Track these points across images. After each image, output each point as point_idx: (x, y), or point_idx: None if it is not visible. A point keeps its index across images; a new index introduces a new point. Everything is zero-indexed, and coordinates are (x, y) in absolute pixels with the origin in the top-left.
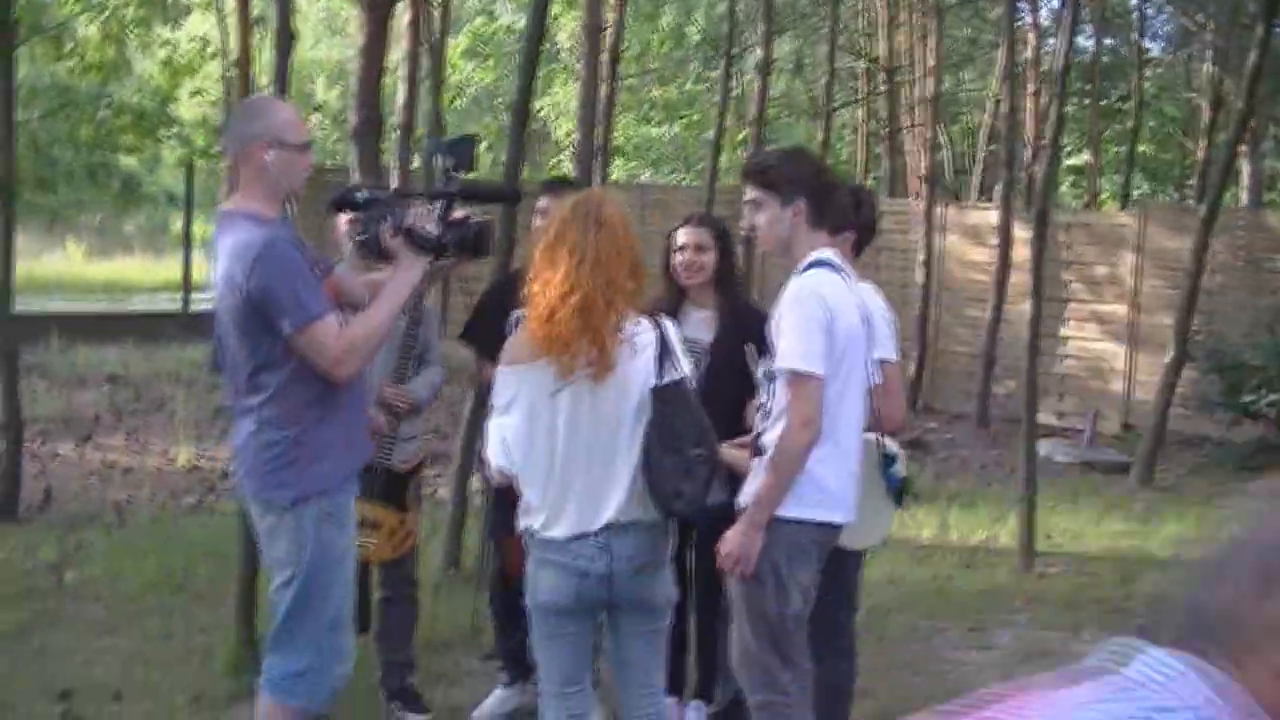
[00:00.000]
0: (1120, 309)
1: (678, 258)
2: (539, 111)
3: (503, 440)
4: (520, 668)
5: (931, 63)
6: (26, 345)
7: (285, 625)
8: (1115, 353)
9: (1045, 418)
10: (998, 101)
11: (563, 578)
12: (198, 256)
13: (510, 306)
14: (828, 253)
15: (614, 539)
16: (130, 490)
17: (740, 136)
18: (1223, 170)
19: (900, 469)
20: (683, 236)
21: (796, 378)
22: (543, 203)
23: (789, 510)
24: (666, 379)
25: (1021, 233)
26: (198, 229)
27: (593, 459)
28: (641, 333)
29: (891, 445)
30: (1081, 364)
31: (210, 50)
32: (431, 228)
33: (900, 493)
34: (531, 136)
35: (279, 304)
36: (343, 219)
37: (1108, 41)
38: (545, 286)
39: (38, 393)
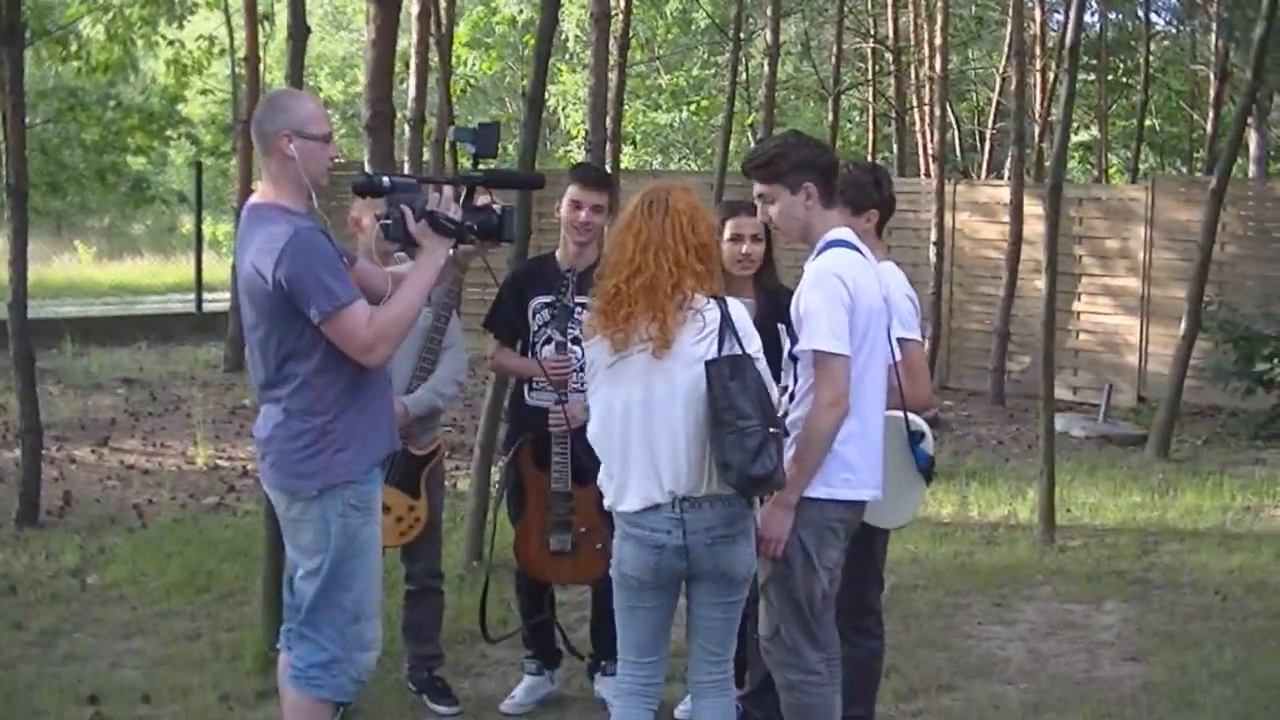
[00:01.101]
0: (1132, 282)
1: (738, 248)
2: (547, 100)
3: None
4: (547, 656)
5: (939, 42)
6: (40, 350)
7: (310, 616)
8: (1129, 326)
9: (1060, 392)
10: (1005, 79)
11: (641, 551)
12: (209, 256)
13: (530, 294)
14: (844, 232)
15: (688, 512)
16: (150, 492)
17: (749, 120)
18: (1232, 142)
19: (929, 446)
20: (739, 227)
21: (822, 357)
22: (573, 191)
23: (816, 490)
24: (724, 354)
25: (1033, 208)
26: (207, 228)
27: (652, 432)
28: (708, 310)
29: (919, 423)
30: (1095, 338)
31: (217, 49)
32: (454, 213)
33: (930, 470)
34: (541, 125)
35: (308, 292)
36: (359, 209)
37: (1113, 15)
38: (614, 269)
39: (53, 397)
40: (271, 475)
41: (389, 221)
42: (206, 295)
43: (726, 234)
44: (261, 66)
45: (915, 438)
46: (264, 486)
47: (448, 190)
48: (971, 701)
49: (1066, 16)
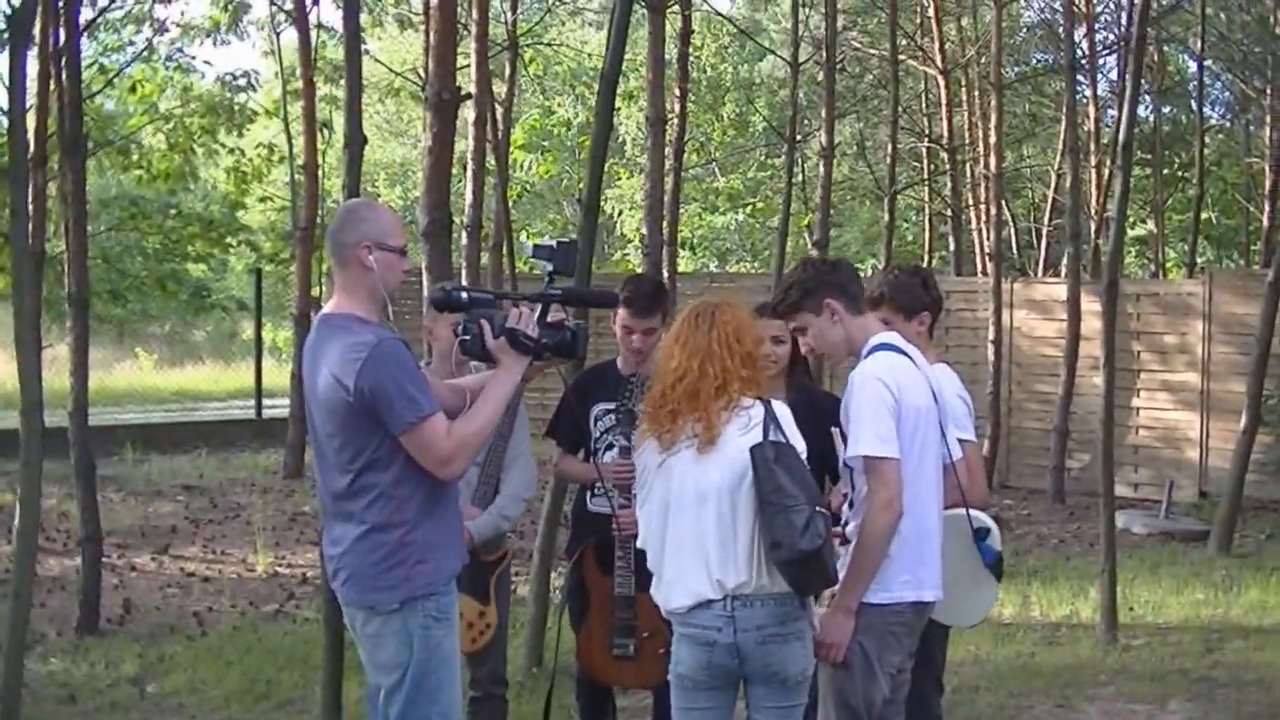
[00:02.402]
0: (1191, 377)
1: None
2: (604, 204)
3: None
4: None
5: (993, 140)
6: (101, 457)
7: None
8: (1188, 421)
9: (1121, 489)
10: (1060, 175)
11: (694, 649)
12: (269, 362)
13: (591, 401)
14: (889, 335)
15: (739, 610)
16: (210, 599)
17: (805, 221)
18: None
19: (995, 542)
20: (762, 329)
21: (871, 462)
22: (624, 317)
23: (877, 596)
24: (768, 439)
25: (1090, 305)
26: (267, 334)
27: (702, 525)
28: (753, 409)
29: (983, 519)
30: (1155, 434)
31: (277, 156)
32: (532, 330)
33: (999, 567)
34: (598, 230)
35: (391, 402)
36: (431, 319)
37: (1166, 110)
38: (661, 378)
39: (114, 504)
40: (347, 591)
41: (467, 337)
42: (266, 401)
43: None
44: (320, 173)
45: (980, 534)
46: (341, 605)
47: (526, 308)
48: None
49: (1119, 113)
